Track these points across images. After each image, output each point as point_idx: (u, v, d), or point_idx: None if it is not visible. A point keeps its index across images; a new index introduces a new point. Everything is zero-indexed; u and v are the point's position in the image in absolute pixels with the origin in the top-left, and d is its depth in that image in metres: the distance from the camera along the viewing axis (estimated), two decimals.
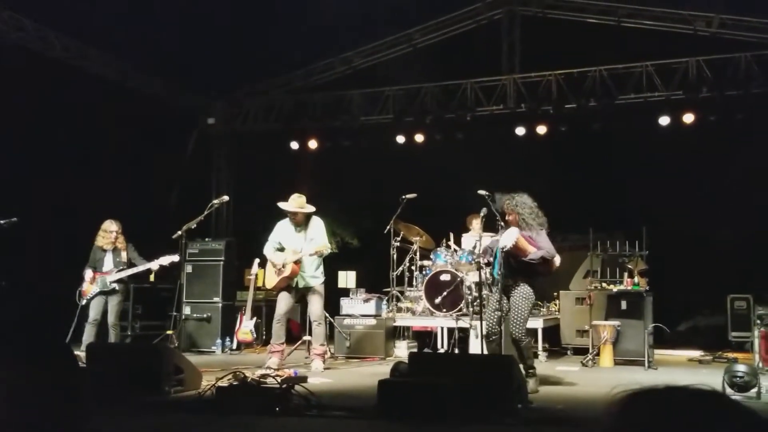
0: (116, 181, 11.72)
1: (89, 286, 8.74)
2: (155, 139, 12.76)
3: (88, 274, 8.76)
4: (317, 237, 8.16)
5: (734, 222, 11.70)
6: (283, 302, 8.24)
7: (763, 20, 11.36)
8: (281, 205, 8.26)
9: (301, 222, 8.20)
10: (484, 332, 6.93)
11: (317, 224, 8.28)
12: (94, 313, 8.71)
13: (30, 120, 10.63)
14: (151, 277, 12.30)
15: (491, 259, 6.94)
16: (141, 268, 8.79)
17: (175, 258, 8.77)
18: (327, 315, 10.05)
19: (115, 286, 8.75)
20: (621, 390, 1.02)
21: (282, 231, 8.30)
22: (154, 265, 8.81)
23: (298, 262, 8.05)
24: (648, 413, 0.98)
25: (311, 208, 8.29)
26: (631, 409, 0.99)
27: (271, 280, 8.26)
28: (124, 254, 8.86)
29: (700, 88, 11.29)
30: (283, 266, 8.04)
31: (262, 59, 13.36)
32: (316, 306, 8.26)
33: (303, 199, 8.23)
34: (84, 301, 8.72)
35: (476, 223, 9.90)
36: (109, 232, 8.85)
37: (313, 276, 8.24)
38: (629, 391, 1.02)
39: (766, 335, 8.33)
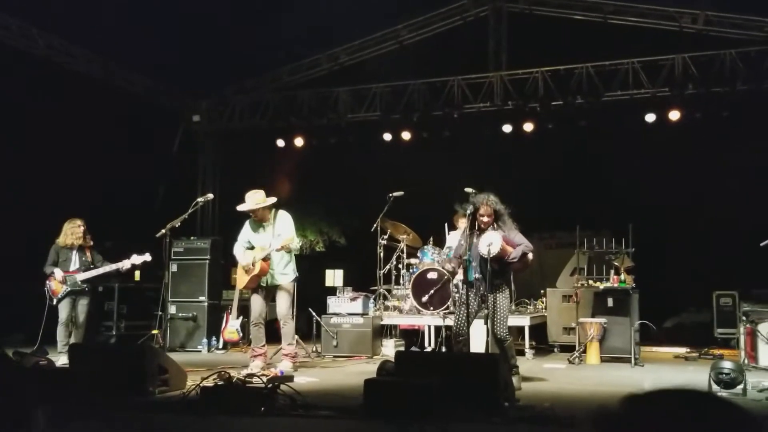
0: (100, 179, 11.62)
1: (59, 286, 8.51)
2: (140, 137, 12.66)
3: (58, 273, 8.53)
4: (284, 231, 7.82)
5: (720, 219, 11.74)
6: (257, 304, 8.02)
7: (748, 17, 11.40)
8: (239, 208, 7.95)
9: (266, 218, 7.90)
10: (453, 332, 6.91)
11: (283, 218, 7.95)
12: (65, 313, 8.54)
13: (13, 118, 10.51)
14: (137, 276, 12.26)
15: (460, 263, 6.95)
16: (112, 267, 8.57)
17: (147, 257, 8.58)
18: (314, 314, 10.03)
19: (86, 285, 8.56)
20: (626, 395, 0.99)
21: (248, 230, 8.03)
22: (126, 264, 8.59)
23: (267, 259, 7.77)
24: (644, 416, 0.95)
25: (271, 201, 7.93)
26: (628, 413, 0.96)
27: (241, 280, 8.03)
28: (88, 253, 8.67)
29: (686, 85, 11.32)
30: (253, 264, 7.78)
31: (247, 56, 13.29)
32: (282, 304, 7.94)
33: (260, 193, 7.89)
34: (55, 301, 8.52)
35: (463, 222, 9.87)
36: (78, 227, 8.62)
37: (282, 273, 7.94)
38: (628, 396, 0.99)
39: (751, 332, 8.36)
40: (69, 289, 8.49)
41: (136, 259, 8.60)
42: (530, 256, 6.88)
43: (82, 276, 8.49)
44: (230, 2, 12.37)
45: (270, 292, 8.03)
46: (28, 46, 11.12)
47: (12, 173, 10.41)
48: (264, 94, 13.86)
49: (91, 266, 8.56)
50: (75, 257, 8.62)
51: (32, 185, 10.56)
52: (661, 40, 11.79)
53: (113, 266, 8.59)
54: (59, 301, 8.52)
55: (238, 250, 8.05)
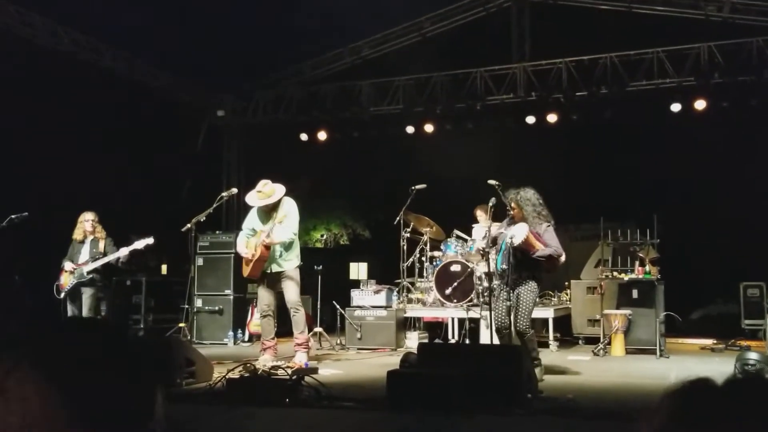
0: (126, 176, 11.76)
1: (67, 279, 8.47)
2: (165, 133, 12.78)
3: (68, 265, 8.49)
4: (287, 218, 7.61)
5: (747, 209, 11.60)
6: (265, 295, 7.86)
7: None
8: (249, 202, 7.85)
9: (273, 206, 7.73)
10: (495, 326, 6.92)
11: (287, 206, 7.71)
12: (71, 308, 8.43)
13: (38, 115, 10.67)
14: (164, 270, 12.41)
15: (492, 252, 6.94)
16: (114, 255, 8.44)
17: (150, 240, 8.41)
18: (338, 307, 10.08)
19: (92, 276, 8.42)
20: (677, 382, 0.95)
21: (253, 217, 7.91)
22: (124, 251, 8.42)
23: (268, 246, 7.61)
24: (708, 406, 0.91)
25: (280, 193, 7.75)
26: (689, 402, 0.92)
27: (245, 268, 7.88)
28: (101, 244, 8.52)
29: (712, 74, 11.19)
30: (255, 249, 7.63)
31: (270, 51, 13.35)
32: (290, 292, 7.73)
33: (268, 186, 7.75)
34: (62, 295, 8.46)
35: (482, 214, 9.87)
36: (85, 221, 8.54)
37: (285, 260, 7.76)
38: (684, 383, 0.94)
39: None
40: (75, 281, 8.42)
41: (138, 243, 8.43)
42: (561, 259, 6.77)
43: (88, 267, 8.40)
44: None
45: (275, 281, 7.84)
46: (54, 43, 11.26)
47: (37, 169, 10.57)
48: (287, 88, 13.93)
49: (101, 257, 8.47)
50: (85, 249, 8.57)
51: (57, 181, 10.70)
52: (686, 29, 11.64)
53: (115, 254, 8.44)
54: (66, 294, 8.44)
55: (240, 240, 7.94)
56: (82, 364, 0.99)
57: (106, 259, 8.45)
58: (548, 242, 6.64)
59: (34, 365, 0.97)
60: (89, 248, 8.55)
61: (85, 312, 8.33)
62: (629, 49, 11.66)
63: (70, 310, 8.43)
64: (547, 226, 6.70)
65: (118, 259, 8.48)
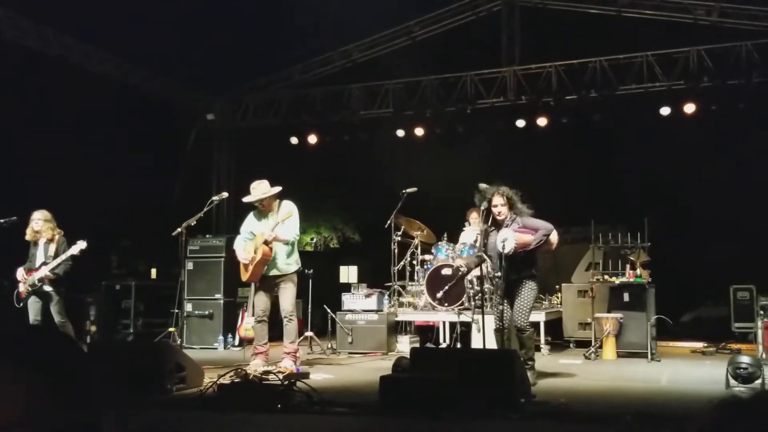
0: (116, 179, 11.69)
1: (24, 287, 7.93)
2: (155, 136, 12.72)
3: (19, 273, 7.94)
4: (287, 220, 7.52)
5: (737, 212, 11.66)
6: (260, 300, 7.75)
7: (764, 8, 11.28)
8: (245, 199, 7.78)
9: (271, 208, 7.66)
10: (495, 326, 6.91)
11: (286, 207, 7.61)
12: (32, 314, 7.86)
13: (29, 119, 10.60)
14: (153, 275, 12.34)
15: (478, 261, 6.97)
16: (54, 263, 7.79)
17: (83, 245, 7.78)
18: (329, 311, 10.05)
19: (45, 286, 7.86)
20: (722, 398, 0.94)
21: (252, 221, 7.83)
22: (61, 258, 7.80)
23: (269, 244, 7.49)
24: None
25: (276, 189, 7.68)
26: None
27: (244, 273, 7.74)
28: (52, 247, 7.89)
29: (701, 77, 11.24)
30: (255, 251, 7.52)
31: (261, 54, 13.32)
32: (286, 300, 7.60)
33: (264, 183, 7.66)
34: (21, 304, 7.94)
35: (475, 216, 9.86)
36: (31, 220, 7.89)
37: (286, 263, 7.67)
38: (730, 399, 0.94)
39: None
40: (30, 290, 7.89)
41: (73, 249, 7.83)
42: (553, 236, 6.82)
43: (38, 274, 7.85)
44: (242, 1, 12.38)
45: (272, 286, 7.71)
46: (42, 46, 11.18)
47: (28, 173, 10.49)
48: (277, 91, 13.90)
49: (50, 261, 7.90)
50: (40, 253, 7.95)
51: (47, 185, 10.62)
52: (675, 33, 11.71)
53: (55, 261, 7.84)
54: (24, 302, 7.92)
55: (238, 243, 7.82)
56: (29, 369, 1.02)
57: (51, 266, 7.84)
58: (536, 226, 6.68)
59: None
60: (43, 252, 7.98)
61: (57, 319, 7.86)
62: (619, 53, 11.70)
63: (32, 317, 7.90)
64: (529, 213, 6.78)
65: (59, 266, 7.86)
